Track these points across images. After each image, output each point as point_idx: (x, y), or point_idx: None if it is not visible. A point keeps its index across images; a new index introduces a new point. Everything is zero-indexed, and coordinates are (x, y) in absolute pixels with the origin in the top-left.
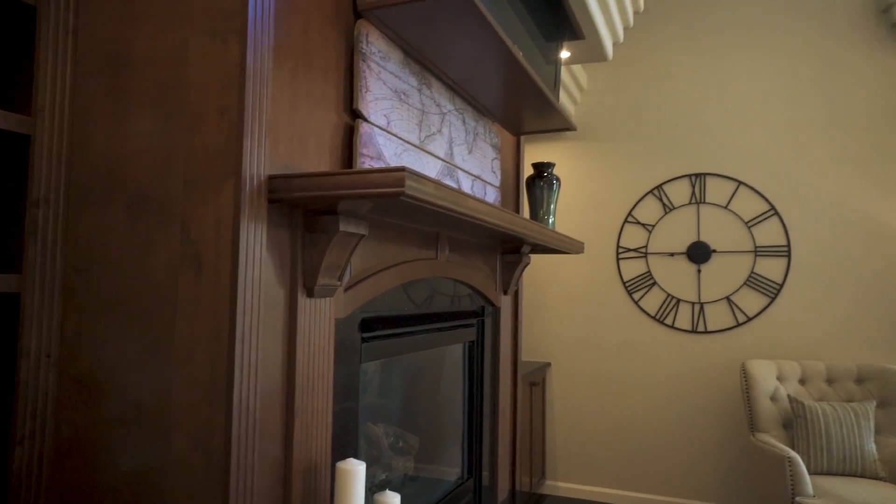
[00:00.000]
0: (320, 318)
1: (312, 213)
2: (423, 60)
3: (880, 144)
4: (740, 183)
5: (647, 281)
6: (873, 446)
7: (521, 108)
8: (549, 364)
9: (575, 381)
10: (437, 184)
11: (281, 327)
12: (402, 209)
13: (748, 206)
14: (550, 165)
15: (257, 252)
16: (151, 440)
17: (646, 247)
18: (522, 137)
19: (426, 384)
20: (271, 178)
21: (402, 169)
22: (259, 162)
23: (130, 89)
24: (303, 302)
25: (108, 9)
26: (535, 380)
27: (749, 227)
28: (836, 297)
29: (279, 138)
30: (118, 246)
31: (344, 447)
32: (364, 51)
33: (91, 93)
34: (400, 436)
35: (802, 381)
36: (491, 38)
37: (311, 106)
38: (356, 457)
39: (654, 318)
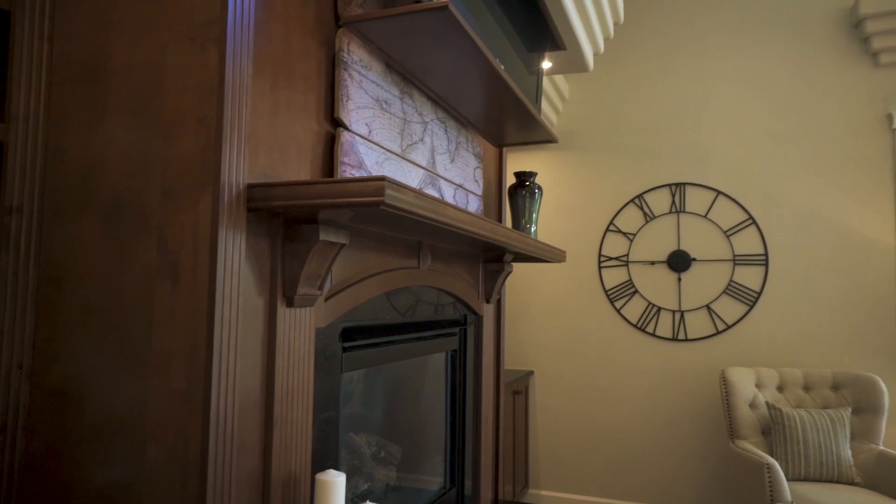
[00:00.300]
0: (300, 327)
1: (292, 222)
2: (406, 73)
3: (852, 155)
4: (719, 192)
5: (628, 289)
6: (849, 452)
7: (504, 120)
8: (531, 372)
9: (558, 389)
10: (418, 193)
11: (260, 337)
12: (384, 218)
13: (727, 215)
14: (532, 174)
15: (236, 261)
16: (126, 453)
17: (627, 255)
18: (505, 148)
19: (409, 393)
20: (250, 186)
21: (382, 178)
22: (238, 171)
23: (107, 96)
24: (282, 311)
25: (84, 15)
26: (518, 388)
27: (728, 236)
28: (812, 304)
29: (259, 147)
30: (93, 255)
31: (324, 458)
32: (345, 59)
33: (67, 99)
34: (382, 445)
35: (780, 388)
36: (473, 53)
37: (291, 114)
38: (336, 467)
39: (635, 326)
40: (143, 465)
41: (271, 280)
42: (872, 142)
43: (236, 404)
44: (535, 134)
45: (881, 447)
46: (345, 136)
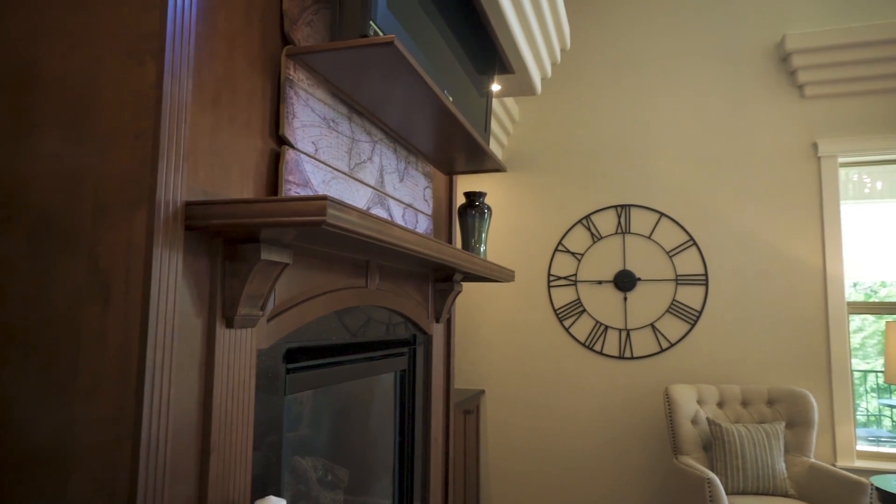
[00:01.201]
0: (241, 349)
1: (233, 241)
2: (354, 104)
3: (783, 181)
4: (662, 214)
5: (577, 308)
6: (783, 465)
7: (453, 151)
8: (483, 391)
9: (509, 408)
10: (362, 213)
11: (197, 359)
12: (329, 237)
13: (669, 236)
14: (482, 195)
15: (172, 281)
16: (49, 485)
17: (575, 275)
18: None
19: (357, 415)
20: (189, 204)
21: (324, 197)
22: (176, 188)
23: (36, 108)
24: (221, 333)
25: (13, 23)
26: (470, 408)
27: (670, 257)
28: (748, 322)
29: (199, 164)
30: (16, 275)
31: (266, 484)
32: (291, 77)
33: None
34: (329, 469)
35: (720, 404)
36: (421, 87)
37: (234, 131)
38: (279, 494)
39: (583, 344)
40: (66, 498)
41: (210, 300)
42: (801, 168)
43: (170, 430)
44: (484, 164)
45: (812, 460)
46: (290, 155)
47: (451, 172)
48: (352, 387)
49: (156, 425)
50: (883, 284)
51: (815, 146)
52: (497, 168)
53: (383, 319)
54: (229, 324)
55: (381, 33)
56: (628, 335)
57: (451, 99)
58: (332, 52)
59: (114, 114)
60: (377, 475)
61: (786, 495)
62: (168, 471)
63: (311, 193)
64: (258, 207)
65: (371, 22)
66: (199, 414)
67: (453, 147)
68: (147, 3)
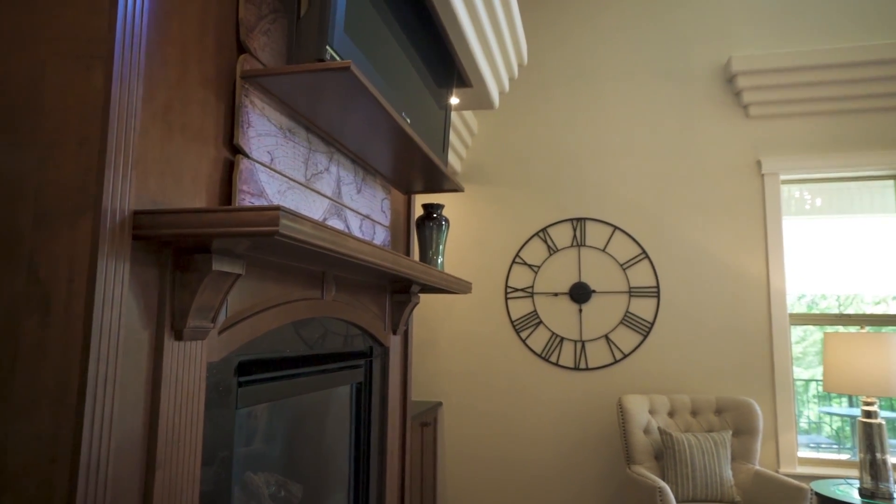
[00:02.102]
0: (190, 362)
1: (183, 251)
2: (312, 127)
3: (729, 197)
4: (616, 228)
5: (533, 320)
6: (730, 473)
7: (412, 172)
8: (440, 403)
9: (466, 419)
10: (316, 223)
11: (144, 373)
12: (283, 248)
13: (623, 249)
14: (440, 207)
15: (117, 293)
16: None
17: (532, 287)
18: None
19: (312, 428)
20: (137, 213)
21: (277, 207)
22: (123, 197)
23: None
24: (170, 345)
25: None
26: (427, 420)
27: (624, 269)
28: (697, 333)
29: (149, 172)
30: None
31: (215, 501)
32: (247, 86)
33: None
34: (282, 484)
35: (671, 414)
36: (379, 112)
37: (186, 140)
38: None
39: (540, 356)
40: None
41: (158, 312)
42: (746, 185)
43: (112, 447)
44: (442, 185)
45: (757, 467)
46: (244, 164)
47: (409, 192)
48: (307, 400)
49: (97, 443)
50: (823, 297)
51: (759, 164)
52: (455, 189)
53: (340, 331)
54: (178, 336)
55: (337, 57)
56: (583, 346)
57: (408, 121)
58: (287, 76)
59: (57, 119)
60: (332, 489)
61: (732, 502)
62: (109, 490)
63: (266, 203)
64: (209, 217)
65: (328, 46)
66: (145, 430)
67: (411, 168)
68: (95, 6)
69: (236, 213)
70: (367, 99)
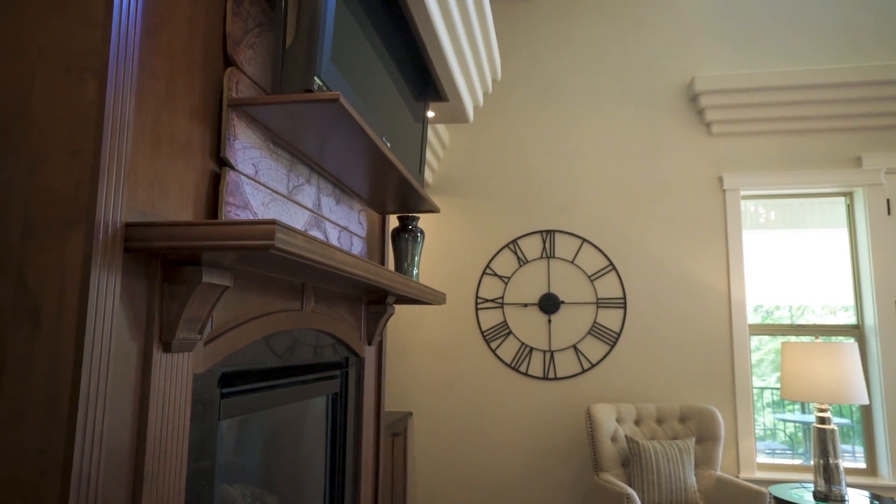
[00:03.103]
0: (177, 374)
1: (172, 263)
2: (293, 151)
3: (693, 211)
4: (584, 240)
5: (503, 330)
6: (693, 479)
7: (389, 194)
8: (410, 413)
9: (436, 429)
10: (307, 237)
11: (132, 385)
12: (269, 260)
13: (591, 261)
14: (415, 219)
15: (109, 305)
16: None
17: (502, 297)
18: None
19: (287, 439)
20: (129, 225)
21: (273, 222)
22: (115, 208)
23: None
24: (158, 357)
25: None
26: (398, 430)
27: (592, 281)
28: (662, 343)
29: (138, 184)
30: None
31: None
32: (233, 99)
33: None
34: (258, 496)
35: (637, 422)
36: (362, 139)
37: (174, 151)
38: None
39: (509, 365)
40: None
41: (147, 324)
42: (708, 200)
43: (102, 461)
44: (419, 207)
45: (718, 472)
46: (231, 176)
47: (384, 212)
48: (283, 410)
49: (88, 456)
50: (777, 307)
51: (720, 180)
52: (431, 210)
53: (317, 342)
54: (167, 348)
55: (325, 86)
56: (552, 356)
57: (388, 145)
58: (275, 106)
59: (46, 129)
60: (307, 500)
61: None
62: (99, 503)
63: (250, 215)
64: (203, 230)
65: (315, 76)
66: (132, 442)
67: (388, 190)
68: (88, 18)
69: (231, 226)
70: (351, 127)
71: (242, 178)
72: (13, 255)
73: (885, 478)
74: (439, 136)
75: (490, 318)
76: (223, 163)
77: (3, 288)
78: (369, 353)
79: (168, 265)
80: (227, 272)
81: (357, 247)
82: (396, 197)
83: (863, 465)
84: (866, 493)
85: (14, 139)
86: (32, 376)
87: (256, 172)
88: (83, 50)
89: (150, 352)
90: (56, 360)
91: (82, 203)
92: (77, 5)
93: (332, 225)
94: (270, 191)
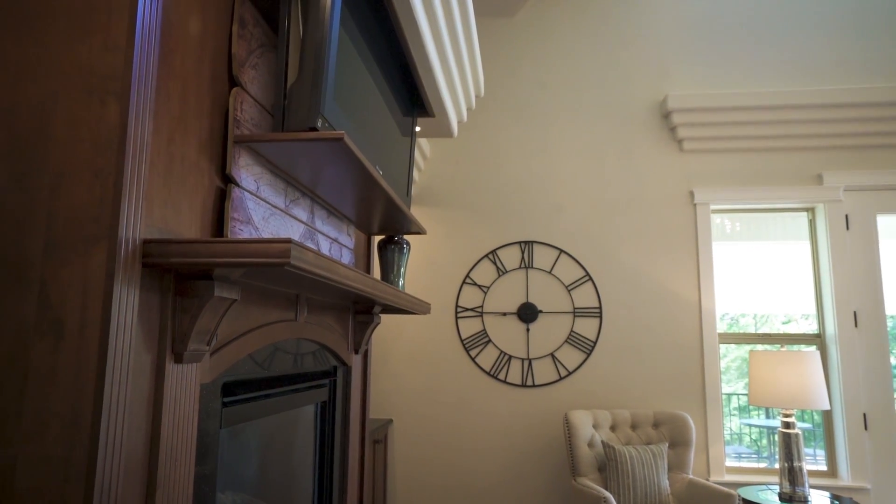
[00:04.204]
0: (187, 384)
1: (185, 277)
2: (289, 179)
3: (666, 224)
4: (561, 251)
5: (482, 339)
6: (666, 482)
7: (379, 218)
8: (391, 421)
9: (416, 436)
10: (316, 254)
11: (146, 396)
12: (274, 274)
13: (568, 271)
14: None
15: (129, 318)
16: None
17: (482, 307)
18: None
19: (277, 447)
20: (147, 242)
21: (288, 241)
22: (135, 226)
23: None
24: (170, 368)
25: None
26: (378, 437)
27: (569, 291)
28: (636, 351)
29: (154, 202)
30: None
31: None
32: (238, 118)
33: None
34: (248, 503)
35: (613, 428)
36: (360, 171)
37: (185, 170)
38: None
39: (488, 373)
40: None
41: (160, 336)
42: (680, 213)
43: (122, 468)
44: (406, 228)
45: (690, 476)
46: (235, 193)
47: (371, 234)
48: (273, 419)
49: (109, 464)
50: (743, 315)
51: (691, 194)
52: (418, 232)
53: (308, 351)
54: (178, 359)
55: (328, 124)
56: (530, 364)
57: (381, 172)
58: (281, 143)
59: (69, 150)
60: None
61: None
62: None
63: (252, 229)
64: (223, 248)
65: (320, 115)
66: (146, 450)
67: (378, 214)
68: (111, 44)
69: (249, 244)
70: (351, 162)
71: (246, 194)
72: (35, 270)
73: (844, 479)
74: (421, 148)
75: (470, 327)
76: (228, 180)
77: (25, 302)
78: (356, 362)
79: (180, 279)
80: (235, 286)
81: (346, 257)
82: (385, 219)
83: (824, 468)
84: (827, 493)
85: (36, 159)
86: (56, 387)
87: (258, 188)
88: (106, 74)
89: (162, 363)
90: (79, 372)
91: (105, 221)
92: (100, 32)
93: (324, 237)
94: (270, 205)
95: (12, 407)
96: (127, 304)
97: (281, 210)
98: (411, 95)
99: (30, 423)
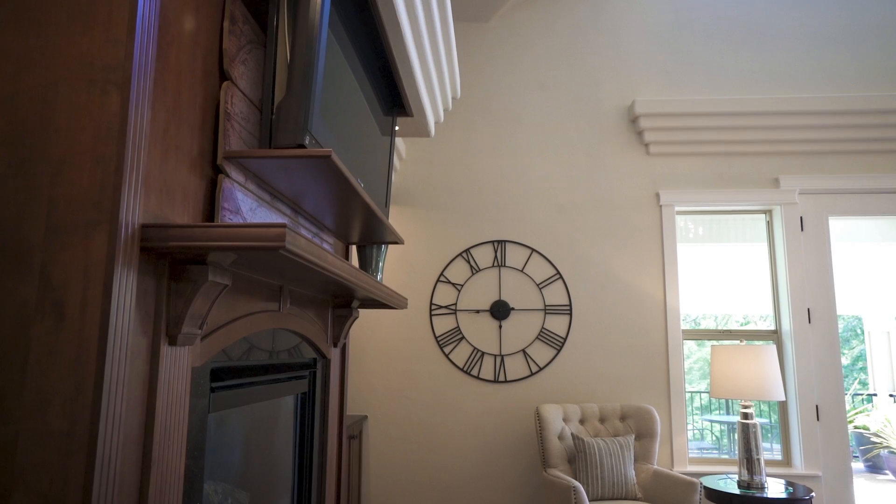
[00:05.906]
0: (179, 366)
1: (179, 262)
2: (272, 191)
3: (633, 225)
4: (533, 250)
5: (456, 335)
6: (632, 472)
7: (358, 229)
8: (365, 417)
9: (390, 432)
10: (308, 241)
11: (143, 376)
12: (259, 262)
13: (539, 270)
14: None
15: (127, 300)
16: None
17: (456, 304)
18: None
19: (258, 437)
20: (145, 227)
21: (283, 226)
22: (134, 211)
23: None
24: (164, 350)
25: None
26: (353, 433)
27: (540, 289)
28: (605, 347)
29: (151, 189)
30: None
31: (192, 500)
32: (229, 112)
33: None
34: (229, 492)
35: (582, 421)
36: (344, 186)
37: (179, 159)
38: None
39: (462, 369)
40: None
41: (156, 319)
42: (647, 214)
43: (120, 445)
44: (384, 237)
45: (655, 466)
46: (226, 183)
47: (349, 243)
48: (253, 408)
49: (109, 441)
50: (704, 317)
51: (657, 196)
52: (395, 241)
53: (290, 342)
54: (172, 341)
55: (315, 141)
56: (502, 360)
57: (362, 185)
58: (269, 160)
59: (70, 137)
60: (277, 497)
61: (635, 498)
62: (117, 485)
63: (241, 219)
64: (220, 231)
65: (308, 132)
66: (142, 429)
67: (359, 225)
68: (112, 36)
69: (245, 229)
70: (336, 178)
71: (235, 184)
72: (37, 254)
73: (798, 468)
74: (398, 149)
75: (444, 324)
76: (219, 170)
77: (26, 284)
78: (335, 355)
79: (175, 264)
80: (227, 272)
81: (327, 248)
82: (364, 230)
83: (780, 458)
84: (782, 481)
85: (38, 146)
86: (57, 365)
87: (245, 180)
88: (107, 65)
89: (157, 344)
90: (80, 351)
91: (106, 206)
92: (101, 25)
93: (306, 230)
94: (256, 197)
95: (14, 384)
96: (126, 286)
97: (267, 203)
98: (391, 95)
99: (33, 399)
